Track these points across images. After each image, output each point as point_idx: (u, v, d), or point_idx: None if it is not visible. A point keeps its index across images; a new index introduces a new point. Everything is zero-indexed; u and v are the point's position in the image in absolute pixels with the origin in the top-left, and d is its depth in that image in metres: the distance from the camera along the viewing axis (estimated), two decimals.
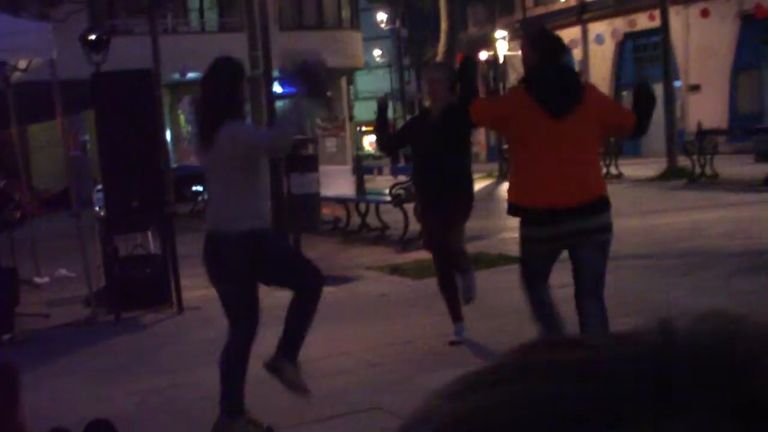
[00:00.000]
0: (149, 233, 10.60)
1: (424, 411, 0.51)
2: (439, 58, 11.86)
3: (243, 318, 5.56)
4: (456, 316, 7.28)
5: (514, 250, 11.82)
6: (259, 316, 5.56)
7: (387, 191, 14.44)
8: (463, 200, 7.23)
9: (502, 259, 11.06)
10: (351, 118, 43.36)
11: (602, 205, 5.44)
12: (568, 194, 5.33)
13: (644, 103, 5.59)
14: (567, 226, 5.39)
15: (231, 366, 5.51)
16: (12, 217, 11.36)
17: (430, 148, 7.16)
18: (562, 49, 5.73)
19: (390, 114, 54.61)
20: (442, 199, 7.16)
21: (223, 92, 5.43)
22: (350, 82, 45.65)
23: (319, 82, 5.51)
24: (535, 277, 5.80)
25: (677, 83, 27.41)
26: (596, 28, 32.58)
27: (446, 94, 7.08)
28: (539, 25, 6.22)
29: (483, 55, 32.32)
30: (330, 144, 35.77)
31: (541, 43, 5.63)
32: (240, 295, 5.55)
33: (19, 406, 2.62)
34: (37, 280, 11.92)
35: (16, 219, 11.69)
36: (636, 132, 5.65)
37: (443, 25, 11.35)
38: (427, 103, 7.91)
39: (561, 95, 5.42)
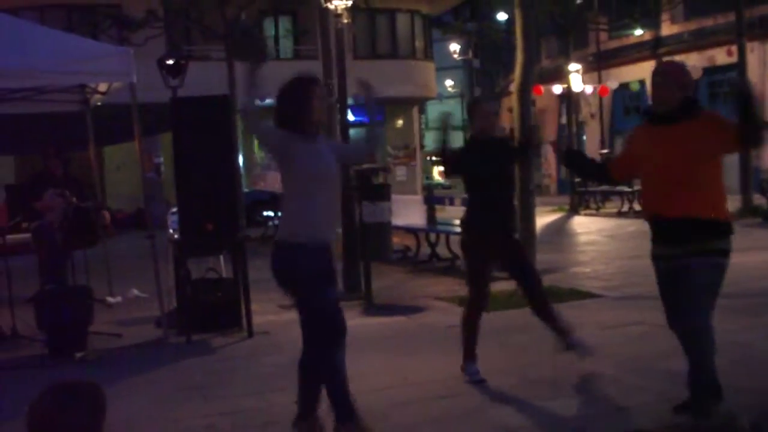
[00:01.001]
0: (221, 257, 10.70)
1: None
2: (513, 89, 11.81)
3: (308, 331, 5.56)
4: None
5: (586, 285, 11.79)
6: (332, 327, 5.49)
7: (457, 222, 14.43)
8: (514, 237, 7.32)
9: (574, 294, 10.97)
10: (422, 147, 43.42)
11: None
12: None
13: (743, 114, 5.17)
14: None
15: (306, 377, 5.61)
16: (109, 232, 11.55)
17: (484, 180, 7.20)
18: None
19: (460, 144, 54.21)
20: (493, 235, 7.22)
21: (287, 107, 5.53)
22: (422, 111, 45.74)
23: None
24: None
25: None
26: None
27: (497, 126, 7.19)
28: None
29: (557, 89, 32.22)
30: (400, 173, 35.87)
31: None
32: (302, 306, 5.55)
33: (102, 427, 2.65)
34: (110, 299, 12.08)
35: (113, 234, 11.89)
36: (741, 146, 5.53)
37: (519, 57, 11.30)
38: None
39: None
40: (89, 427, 2.62)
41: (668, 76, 5.55)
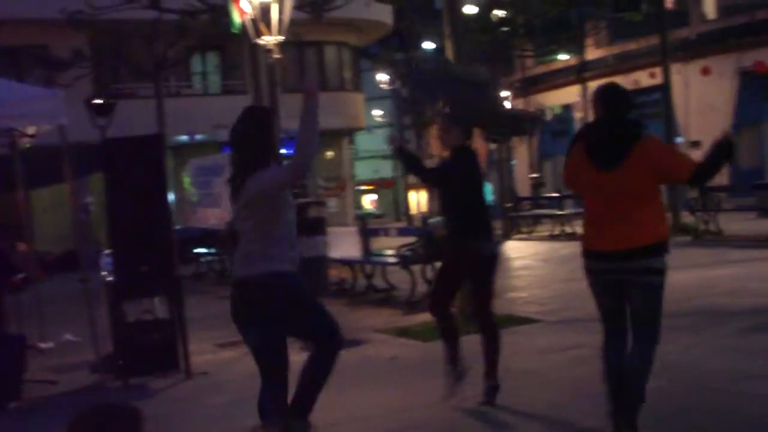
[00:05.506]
0: (155, 297, 10.53)
1: None
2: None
3: (272, 368, 5.53)
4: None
5: (524, 310, 11.82)
6: (288, 365, 5.55)
7: (392, 252, 14.40)
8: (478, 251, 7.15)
9: (512, 320, 10.98)
10: (352, 177, 43.45)
11: (652, 250, 5.50)
12: (615, 241, 5.49)
13: (718, 158, 5.46)
14: (616, 266, 5.53)
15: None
16: (36, 275, 11.13)
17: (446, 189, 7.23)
18: (626, 104, 5.71)
19: (389, 173, 54.58)
20: (457, 247, 7.16)
21: (251, 142, 5.47)
22: (351, 141, 45.79)
23: None
24: (607, 320, 5.79)
25: (679, 140, 27.48)
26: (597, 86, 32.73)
27: (455, 137, 7.15)
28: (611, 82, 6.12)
29: None
30: (331, 204, 35.83)
31: (605, 98, 5.72)
32: (269, 343, 5.51)
33: None
34: (42, 345, 11.80)
35: (39, 278, 11.52)
36: (692, 181, 5.68)
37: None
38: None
39: (608, 149, 5.54)
40: None
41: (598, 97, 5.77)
